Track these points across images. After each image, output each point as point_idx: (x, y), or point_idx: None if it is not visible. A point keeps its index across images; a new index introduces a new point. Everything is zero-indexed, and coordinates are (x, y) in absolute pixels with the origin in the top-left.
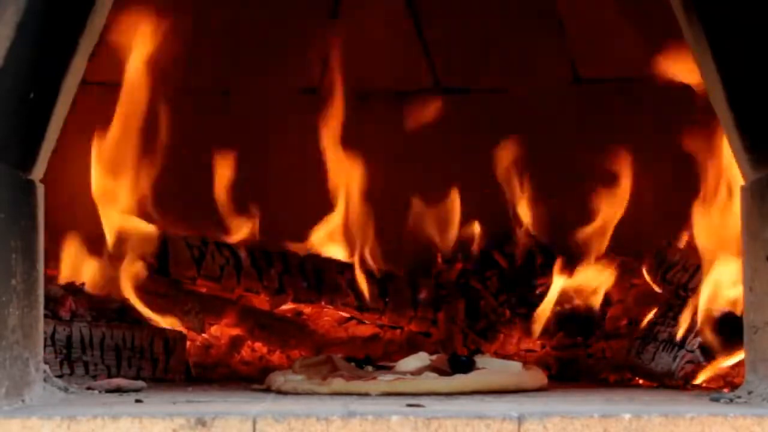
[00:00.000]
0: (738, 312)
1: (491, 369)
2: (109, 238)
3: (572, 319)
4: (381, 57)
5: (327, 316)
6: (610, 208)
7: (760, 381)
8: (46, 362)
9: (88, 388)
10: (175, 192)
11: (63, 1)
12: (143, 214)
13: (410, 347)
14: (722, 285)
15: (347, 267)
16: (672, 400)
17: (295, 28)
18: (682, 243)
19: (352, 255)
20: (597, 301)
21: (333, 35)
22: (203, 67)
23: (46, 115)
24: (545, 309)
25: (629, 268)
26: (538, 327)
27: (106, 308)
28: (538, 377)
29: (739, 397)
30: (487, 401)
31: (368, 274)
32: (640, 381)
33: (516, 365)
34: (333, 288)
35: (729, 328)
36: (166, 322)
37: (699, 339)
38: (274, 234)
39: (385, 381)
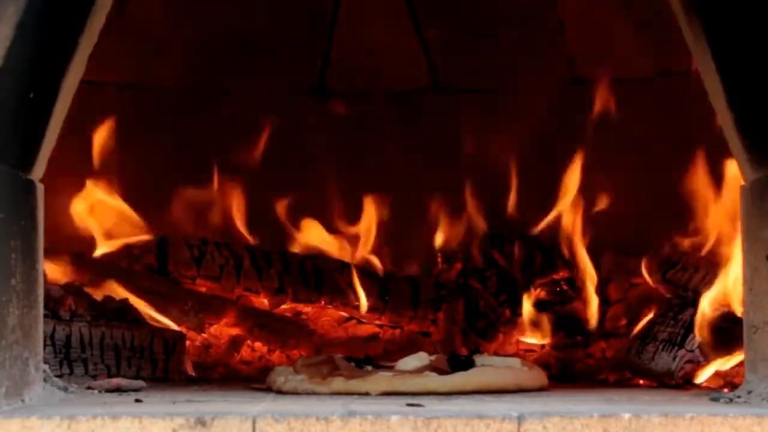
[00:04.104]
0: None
1: (491, 366)
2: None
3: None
4: (381, 57)
5: (327, 316)
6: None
7: (760, 381)
8: (45, 362)
9: (88, 388)
10: (175, 192)
11: (63, 1)
12: (143, 215)
13: (410, 347)
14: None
15: (347, 267)
16: (672, 400)
17: (295, 28)
18: (682, 243)
19: (353, 255)
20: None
21: (333, 35)
22: (203, 67)
23: (45, 115)
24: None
25: (629, 268)
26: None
27: (106, 308)
28: (538, 377)
29: (739, 396)
30: (487, 401)
31: (369, 274)
32: (640, 381)
33: (515, 361)
34: (333, 288)
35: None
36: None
37: (698, 339)
38: (276, 234)
39: (384, 378)
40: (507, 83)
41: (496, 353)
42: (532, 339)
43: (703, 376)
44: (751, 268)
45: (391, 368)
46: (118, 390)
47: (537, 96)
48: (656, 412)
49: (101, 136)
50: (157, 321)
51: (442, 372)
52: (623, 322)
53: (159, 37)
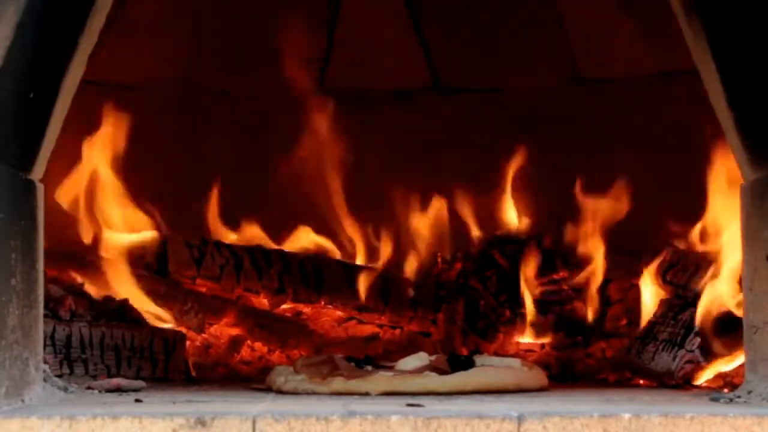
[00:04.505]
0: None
1: (491, 366)
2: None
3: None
4: (381, 57)
5: (327, 316)
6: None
7: (760, 381)
8: (45, 362)
9: (88, 388)
10: (175, 192)
11: (63, 1)
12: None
13: (410, 347)
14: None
15: (347, 267)
16: (672, 400)
17: (295, 28)
18: (682, 243)
19: (352, 255)
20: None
21: (333, 35)
22: (203, 67)
23: (45, 115)
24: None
25: (629, 268)
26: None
27: (106, 308)
28: (538, 377)
29: (739, 396)
30: (487, 401)
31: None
32: (640, 381)
33: (515, 361)
34: (333, 288)
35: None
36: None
37: (699, 339)
38: (274, 234)
39: (384, 378)
40: (507, 83)
41: (496, 353)
42: (533, 339)
43: (703, 377)
44: (751, 268)
45: (391, 368)
46: (118, 390)
47: (537, 96)
48: (656, 412)
49: (100, 136)
50: (158, 320)
51: (442, 372)
52: (623, 322)
53: (159, 37)
